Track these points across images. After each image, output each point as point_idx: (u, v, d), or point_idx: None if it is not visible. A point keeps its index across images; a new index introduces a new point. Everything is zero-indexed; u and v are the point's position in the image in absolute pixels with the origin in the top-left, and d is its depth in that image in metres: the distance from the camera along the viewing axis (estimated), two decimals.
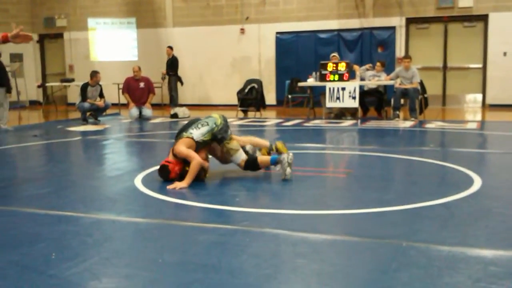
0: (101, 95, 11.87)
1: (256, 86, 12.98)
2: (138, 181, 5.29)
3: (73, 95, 15.69)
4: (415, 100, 11.09)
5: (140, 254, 3.27)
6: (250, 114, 12.94)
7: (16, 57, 17.19)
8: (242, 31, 15.89)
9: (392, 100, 11.34)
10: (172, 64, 14.63)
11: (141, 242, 3.55)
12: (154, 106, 13.45)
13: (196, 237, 3.54)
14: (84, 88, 11.71)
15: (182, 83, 14.74)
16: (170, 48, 14.79)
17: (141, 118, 12.43)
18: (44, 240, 3.50)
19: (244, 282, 2.77)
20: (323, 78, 11.60)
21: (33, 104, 17.28)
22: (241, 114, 12.86)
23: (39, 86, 16.41)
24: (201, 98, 16.41)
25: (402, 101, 11.70)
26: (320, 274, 2.90)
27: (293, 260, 3.09)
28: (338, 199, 4.70)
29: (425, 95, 11.66)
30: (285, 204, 4.48)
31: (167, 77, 14.76)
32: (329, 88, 11.22)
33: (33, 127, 11.06)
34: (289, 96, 13.16)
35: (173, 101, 14.51)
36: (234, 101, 13.44)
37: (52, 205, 4.44)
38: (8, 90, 11.03)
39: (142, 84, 12.77)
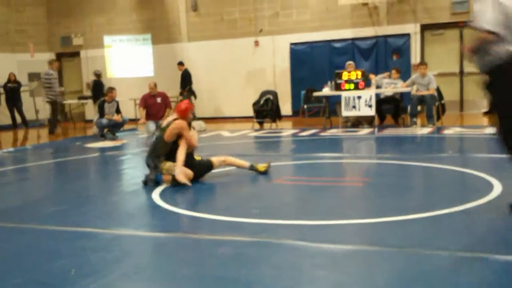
0: (117, 111, 11.98)
1: (271, 97, 12.99)
2: (156, 196, 5.31)
3: (91, 112, 15.86)
4: (432, 107, 10.99)
5: (159, 269, 3.28)
6: (266, 125, 12.95)
7: (34, 77, 17.44)
8: (256, 43, 15.95)
9: (409, 107, 11.26)
10: (184, 79, 14.71)
11: (160, 256, 3.56)
12: None
13: (214, 250, 3.53)
14: (101, 105, 11.85)
15: (195, 97, 14.77)
16: (180, 64, 14.90)
17: None
18: (64, 257, 3.52)
19: None
20: (338, 87, 11.57)
21: None
22: (257, 126, 12.87)
23: None
24: (216, 111, 16.46)
25: (419, 108, 11.61)
26: (340, 285, 2.87)
27: (312, 272, 3.06)
28: (356, 209, 4.66)
29: (442, 101, 11.57)
30: (302, 215, 4.45)
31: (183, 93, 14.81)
32: (345, 97, 11.18)
33: (52, 145, 11.17)
34: (305, 106, 13.13)
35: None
36: (249, 113, 13.45)
37: (71, 221, 4.47)
38: None
39: (159, 99, 12.85)
